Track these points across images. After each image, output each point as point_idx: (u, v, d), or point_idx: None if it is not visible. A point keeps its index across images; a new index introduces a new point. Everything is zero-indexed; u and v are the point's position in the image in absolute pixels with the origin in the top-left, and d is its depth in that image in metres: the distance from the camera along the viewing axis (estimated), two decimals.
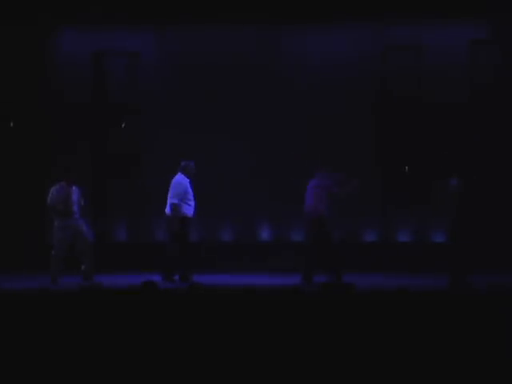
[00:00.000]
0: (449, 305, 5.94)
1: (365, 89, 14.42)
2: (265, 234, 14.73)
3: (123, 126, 14.87)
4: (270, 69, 14.57)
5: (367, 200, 14.20)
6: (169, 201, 12.27)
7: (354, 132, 14.31)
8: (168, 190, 12.33)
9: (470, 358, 5.33)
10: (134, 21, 14.52)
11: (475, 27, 14.40)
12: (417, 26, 14.28)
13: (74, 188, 12.25)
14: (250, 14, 14.21)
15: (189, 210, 12.26)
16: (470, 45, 14.45)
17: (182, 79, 14.70)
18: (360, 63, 14.45)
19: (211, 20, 14.34)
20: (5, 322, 5.78)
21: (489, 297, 6.19)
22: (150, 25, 14.67)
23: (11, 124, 14.53)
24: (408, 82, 14.56)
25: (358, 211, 14.22)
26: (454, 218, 11.89)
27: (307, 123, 14.37)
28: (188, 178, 12.34)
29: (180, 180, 12.30)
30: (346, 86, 14.45)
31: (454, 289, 10.84)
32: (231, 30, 14.61)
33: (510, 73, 14.26)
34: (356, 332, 5.57)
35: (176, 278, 12.03)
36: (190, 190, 12.29)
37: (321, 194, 12.13)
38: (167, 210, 12.30)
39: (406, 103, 14.54)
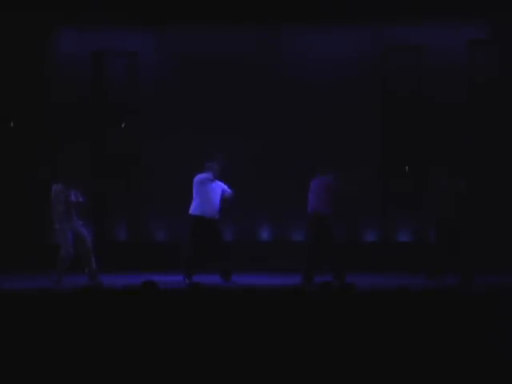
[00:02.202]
0: (449, 305, 5.95)
1: (365, 89, 14.43)
2: (265, 234, 14.73)
3: (123, 126, 14.87)
4: (270, 69, 14.56)
5: (367, 200, 14.20)
6: None
7: (353, 132, 14.31)
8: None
9: (469, 357, 5.34)
10: (134, 21, 14.51)
11: (475, 27, 14.40)
12: (417, 26, 14.28)
13: (72, 191, 12.18)
14: (250, 14, 14.20)
15: (203, 210, 12.26)
16: (469, 45, 14.45)
17: (181, 79, 14.70)
18: (360, 63, 14.45)
19: (211, 20, 14.33)
20: (5, 321, 5.79)
21: (489, 297, 6.20)
22: (150, 25, 14.67)
23: (11, 124, 14.53)
24: (408, 82, 14.57)
25: (358, 211, 14.23)
26: (439, 217, 12.03)
27: (307, 123, 14.37)
28: (210, 178, 12.28)
29: (196, 179, 12.27)
30: (346, 86, 14.46)
31: (464, 288, 10.80)
32: (231, 30, 14.61)
33: (510, 73, 14.26)
34: (356, 332, 5.57)
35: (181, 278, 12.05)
36: (208, 189, 12.22)
37: (324, 193, 12.13)
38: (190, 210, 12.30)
39: (405, 103, 14.54)
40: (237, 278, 12.08)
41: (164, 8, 14.27)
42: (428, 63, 14.44)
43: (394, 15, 14.12)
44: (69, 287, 9.79)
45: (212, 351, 5.41)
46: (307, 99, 14.44)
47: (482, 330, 5.59)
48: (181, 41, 14.74)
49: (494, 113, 14.27)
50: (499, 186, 14.08)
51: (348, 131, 14.31)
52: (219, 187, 12.33)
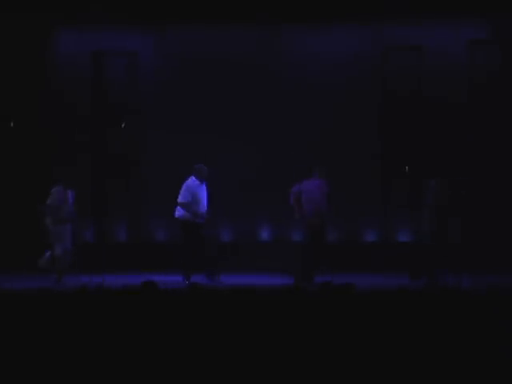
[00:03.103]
0: (449, 305, 5.95)
1: (365, 89, 14.42)
2: (265, 234, 14.72)
3: (123, 126, 14.86)
4: (270, 69, 14.56)
5: (367, 200, 14.20)
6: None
7: (353, 132, 14.31)
8: (178, 192, 12.44)
9: (469, 357, 5.34)
10: (134, 21, 14.51)
11: (475, 27, 14.41)
12: (417, 26, 14.28)
13: (69, 192, 12.31)
14: (250, 14, 14.20)
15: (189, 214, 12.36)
16: (469, 45, 14.45)
17: (181, 79, 14.70)
18: (360, 63, 14.45)
19: (211, 20, 14.33)
20: (5, 321, 5.79)
21: (488, 297, 6.20)
22: (150, 25, 14.67)
23: (11, 124, 14.53)
24: (408, 82, 14.57)
25: (357, 211, 14.22)
26: (433, 217, 12.04)
27: (307, 123, 14.36)
28: (200, 181, 12.38)
29: (189, 183, 12.36)
30: (346, 86, 14.45)
31: (430, 289, 10.85)
32: (231, 30, 14.61)
33: (510, 73, 14.26)
34: (356, 332, 5.57)
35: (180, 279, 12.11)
36: (199, 193, 12.34)
37: (321, 194, 12.16)
38: (176, 213, 12.39)
39: (405, 103, 14.54)
40: (237, 278, 12.10)
41: (164, 8, 14.27)
42: (428, 63, 14.44)
43: (394, 15, 14.12)
44: (69, 287, 9.79)
45: (212, 351, 5.41)
46: (307, 99, 14.43)
47: (481, 329, 5.59)
48: (181, 41, 14.74)
49: (493, 113, 14.27)
50: (499, 185, 14.08)
51: (348, 131, 14.31)
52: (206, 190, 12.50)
